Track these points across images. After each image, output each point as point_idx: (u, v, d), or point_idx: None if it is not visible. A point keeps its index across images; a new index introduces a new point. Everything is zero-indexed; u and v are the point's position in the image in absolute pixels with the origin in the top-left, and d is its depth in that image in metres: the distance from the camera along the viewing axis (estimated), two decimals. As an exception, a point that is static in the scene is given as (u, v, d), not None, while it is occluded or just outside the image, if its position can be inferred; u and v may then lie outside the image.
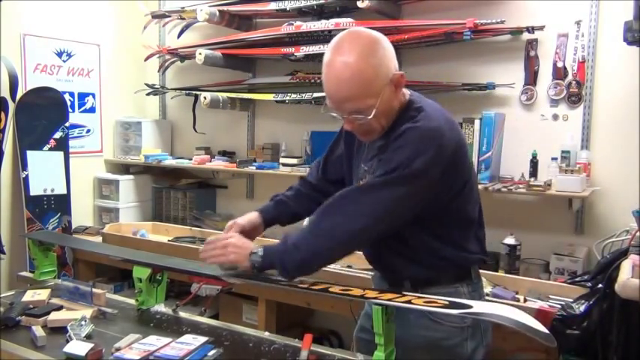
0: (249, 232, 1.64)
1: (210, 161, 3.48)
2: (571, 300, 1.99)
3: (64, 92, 3.43)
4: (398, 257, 1.50)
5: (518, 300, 2.10)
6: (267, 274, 1.54)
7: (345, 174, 1.64)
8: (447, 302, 1.33)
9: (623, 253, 1.92)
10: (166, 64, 3.65)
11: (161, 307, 1.80)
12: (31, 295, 1.82)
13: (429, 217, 1.42)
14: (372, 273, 1.74)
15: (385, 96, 1.33)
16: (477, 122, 2.61)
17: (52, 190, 3.30)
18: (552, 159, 2.55)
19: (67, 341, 1.48)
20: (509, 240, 2.50)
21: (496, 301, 1.94)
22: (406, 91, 1.44)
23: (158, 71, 3.81)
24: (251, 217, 1.66)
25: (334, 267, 2.61)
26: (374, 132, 1.41)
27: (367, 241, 1.47)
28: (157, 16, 3.62)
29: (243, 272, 1.56)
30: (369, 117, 1.33)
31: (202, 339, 1.47)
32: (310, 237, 1.41)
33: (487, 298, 2.09)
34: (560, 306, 1.97)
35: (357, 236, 1.38)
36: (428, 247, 1.47)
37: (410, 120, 1.37)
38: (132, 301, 1.85)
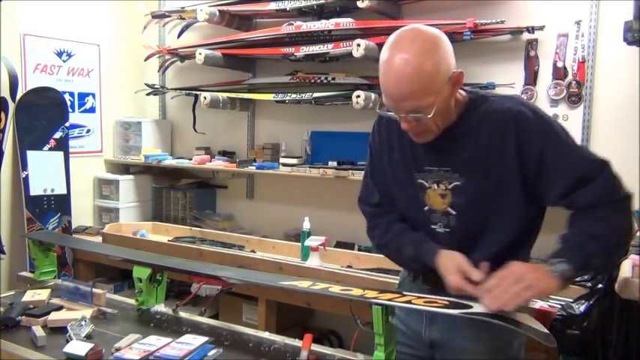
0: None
1: (210, 161, 3.48)
2: (571, 300, 1.99)
3: (64, 92, 3.43)
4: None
5: (518, 300, 2.10)
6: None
7: (390, 184, 1.53)
8: (447, 302, 1.33)
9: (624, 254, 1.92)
10: (166, 64, 3.65)
11: (161, 307, 1.80)
12: (31, 295, 1.82)
13: None
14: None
15: (444, 94, 1.30)
16: (477, 122, 2.61)
17: (52, 190, 3.30)
18: (552, 159, 2.55)
19: (67, 341, 1.48)
20: (509, 240, 2.50)
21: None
22: (461, 91, 1.41)
23: (158, 71, 3.81)
24: (455, 254, 1.38)
25: (334, 267, 2.62)
26: (430, 132, 1.36)
27: None
28: (157, 16, 3.62)
29: None
30: (429, 115, 1.28)
31: (202, 339, 1.48)
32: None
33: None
34: (560, 306, 1.97)
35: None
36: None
37: (478, 108, 1.37)
38: (132, 301, 1.85)
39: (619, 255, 1.35)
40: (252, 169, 3.26)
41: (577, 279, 2.20)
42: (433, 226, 1.44)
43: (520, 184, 1.34)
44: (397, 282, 2.15)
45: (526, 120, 1.32)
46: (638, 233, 1.96)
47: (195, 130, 3.61)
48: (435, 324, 1.46)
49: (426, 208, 1.44)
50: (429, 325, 1.47)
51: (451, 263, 1.35)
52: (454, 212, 1.40)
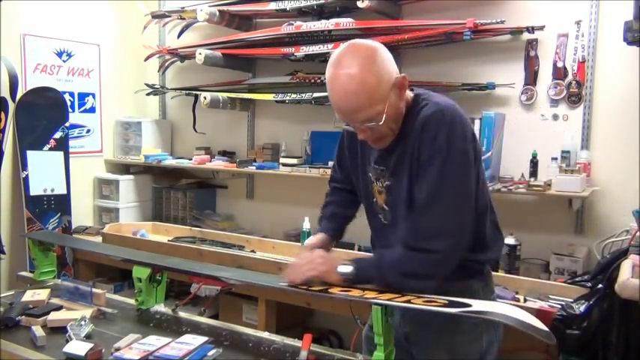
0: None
1: (210, 161, 3.48)
2: (571, 300, 1.99)
3: (64, 92, 3.43)
4: None
5: (518, 300, 2.10)
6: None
7: (353, 179, 1.65)
8: (446, 301, 1.33)
9: (623, 253, 1.92)
10: (166, 64, 3.65)
11: (161, 307, 1.80)
12: (31, 295, 1.82)
13: None
14: None
15: (392, 100, 1.36)
16: (477, 122, 2.60)
17: (52, 190, 3.30)
18: (552, 159, 2.55)
19: (67, 341, 1.48)
20: (509, 240, 2.50)
21: (496, 301, 1.94)
22: (409, 92, 1.46)
23: (158, 71, 3.81)
24: (319, 236, 1.67)
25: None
26: (386, 137, 1.42)
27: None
28: (157, 16, 3.62)
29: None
30: (381, 123, 1.35)
31: (202, 339, 1.47)
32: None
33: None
34: (560, 306, 1.97)
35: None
36: None
37: (420, 112, 1.39)
38: (132, 301, 1.85)
39: (410, 290, 1.38)
40: (252, 169, 3.26)
41: (577, 279, 2.21)
42: (380, 216, 1.55)
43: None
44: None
45: (430, 121, 1.36)
46: (638, 233, 1.96)
47: (195, 130, 3.61)
48: (406, 317, 1.51)
49: (374, 199, 1.55)
50: (402, 319, 1.52)
51: (306, 243, 1.64)
52: (387, 208, 1.51)
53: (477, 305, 1.28)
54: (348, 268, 1.42)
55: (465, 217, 1.36)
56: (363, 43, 1.39)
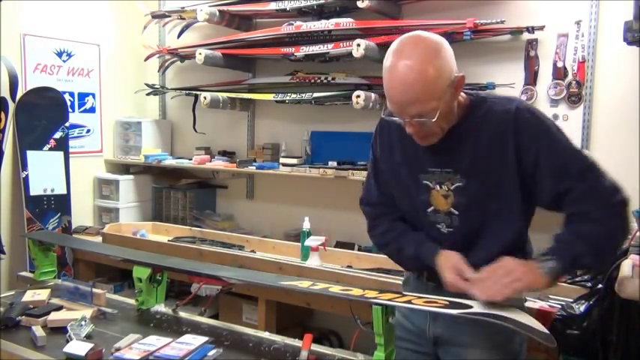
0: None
1: (210, 161, 3.48)
2: (571, 300, 1.99)
3: (64, 92, 3.42)
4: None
5: (518, 300, 2.10)
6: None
7: (393, 186, 1.57)
8: (447, 302, 1.33)
9: (623, 253, 1.92)
10: (166, 64, 3.65)
11: (161, 307, 1.80)
12: (31, 295, 1.82)
13: None
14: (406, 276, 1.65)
15: (447, 98, 1.33)
16: (477, 122, 2.61)
17: (52, 190, 3.30)
18: (552, 159, 2.55)
19: (67, 341, 1.48)
20: (509, 240, 2.50)
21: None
22: (462, 93, 1.43)
23: (158, 71, 3.81)
24: (452, 253, 1.43)
25: (334, 267, 2.62)
26: (434, 135, 1.39)
27: None
28: (156, 16, 3.62)
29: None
30: (433, 120, 1.31)
31: (202, 339, 1.48)
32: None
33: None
34: (560, 306, 1.97)
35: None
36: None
37: (479, 110, 1.40)
38: (132, 301, 1.85)
39: (610, 256, 1.40)
40: (252, 169, 3.25)
41: (577, 279, 2.21)
42: (438, 226, 1.47)
43: (518, 184, 1.37)
44: (397, 282, 2.17)
45: (524, 120, 1.35)
46: (638, 233, 1.96)
47: (195, 130, 3.61)
48: (439, 320, 1.47)
49: (431, 208, 1.47)
50: (433, 322, 1.49)
51: (448, 262, 1.40)
52: (457, 212, 1.43)
53: (478, 307, 1.28)
54: (550, 263, 1.31)
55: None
56: (428, 35, 1.35)
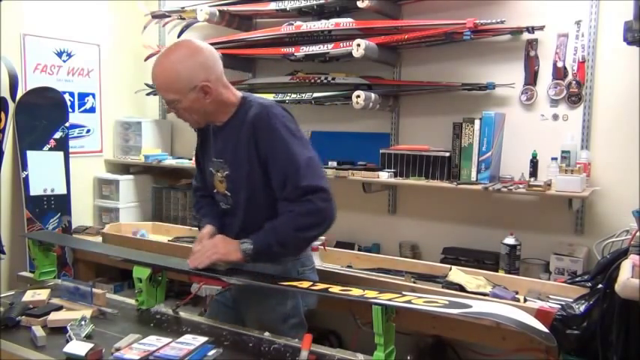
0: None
1: (210, 161, 3.47)
2: (571, 300, 1.99)
3: (64, 92, 3.43)
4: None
5: (518, 300, 2.10)
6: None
7: (203, 171, 1.93)
8: (446, 302, 1.33)
9: (623, 253, 1.92)
10: (166, 64, 3.65)
11: (161, 307, 1.80)
12: (31, 295, 1.82)
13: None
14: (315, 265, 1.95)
15: (191, 97, 1.65)
16: (476, 122, 2.61)
17: (52, 190, 3.30)
18: (552, 159, 2.55)
19: (67, 341, 1.48)
20: (509, 240, 2.50)
21: (496, 301, 1.94)
22: (238, 93, 1.78)
23: (158, 71, 3.80)
24: (209, 228, 1.81)
25: (334, 267, 2.62)
26: (193, 122, 1.77)
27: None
28: (156, 16, 3.62)
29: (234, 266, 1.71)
30: (174, 107, 1.69)
31: (202, 339, 1.47)
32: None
33: (487, 298, 2.10)
34: (560, 306, 1.97)
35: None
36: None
37: (245, 112, 1.72)
38: (132, 301, 1.85)
39: (300, 245, 1.71)
40: (252, 169, 3.25)
41: (577, 279, 2.21)
42: (221, 204, 1.84)
43: (262, 173, 1.69)
44: (397, 282, 2.19)
45: (260, 122, 1.67)
46: (638, 233, 1.96)
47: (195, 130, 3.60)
48: (236, 285, 1.79)
49: (215, 190, 1.84)
50: (235, 286, 1.82)
51: (200, 235, 1.80)
52: (229, 194, 1.79)
53: (478, 306, 1.29)
54: (247, 245, 1.64)
55: (322, 171, 1.70)
56: (194, 43, 1.70)
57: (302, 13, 3.07)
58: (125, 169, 3.80)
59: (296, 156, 1.63)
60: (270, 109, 1.70)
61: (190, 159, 3.50)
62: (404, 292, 1.44)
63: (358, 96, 2.68)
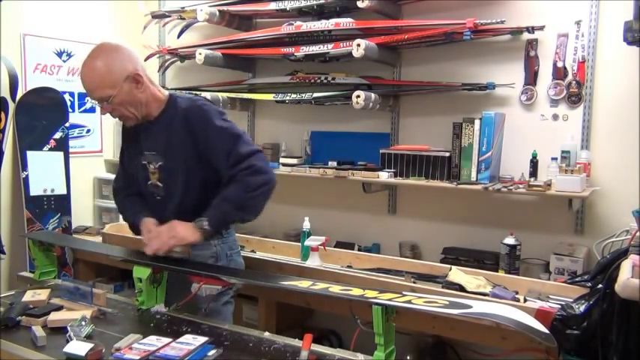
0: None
1: (210, 161, 3.47)
2: (571, 300, 1.99)
3: (64, 92, 3.43)
4: (193, 216, 1.81)
5: (518, 300, 2.10)
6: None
7: (131, 172, 2.01)
8: (447, 302, 1.34)
9: (623, 253, 1.92)
10: (166, 64, 3.65)
11: (161, 307, 1.80)
12: (31, 295, 1.82)
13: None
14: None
15: (126, 88, 1.76)
16: (476, 122, 2.61)
17: (52, 191, 3.30)
18: (552, 159, 2.55)
19: (67, 341, 1.48)
20: (509, 240, 2.50)
21: (496, 301, 1.94)
22: (165, 91, 1.91)
23: (158, 71, 3.80)
24: (150, 219, 1.91)
25: (334, 267, 2.62)
26: (130, 119, 1.85)
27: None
28: (156, 16, 3.62)
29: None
30: (110, 104, 1.77)
31: (202, 339, 1.47)
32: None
33: (487, 298, 2.10)
34: (560, 306, 1.97)
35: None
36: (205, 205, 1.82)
37: (174, 107, 1.85)
38: (132, 301, 1.85)
39: (258, 203, 1.81)
40: (252, 169, 3.25)
41: (577, 279, 2.21)
42: (154, 195, 1.94)
43: (197, 162, 1.82)
44: (397, 282, 2.18)
45: (192, 113, 1.83)
46: (638, 233, 1.96)
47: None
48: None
49: (149, 182, 1.92)
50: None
51: (144, 226, 1.88)
52: (161, 185, 1.90)
53: (478, 306, 1.29)
54: (202, 222, 1.75)
55: (251, 141, 1.89)
56: (111, 43, 1.83)
57: (302, 13, 3.07)
58: (125, 169, 3.80)
59: (232, 133, 1.82)
60: (199, 102, 1.88)
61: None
62: (404, 292, 1.44)
63: (358, 96, 2.68)
